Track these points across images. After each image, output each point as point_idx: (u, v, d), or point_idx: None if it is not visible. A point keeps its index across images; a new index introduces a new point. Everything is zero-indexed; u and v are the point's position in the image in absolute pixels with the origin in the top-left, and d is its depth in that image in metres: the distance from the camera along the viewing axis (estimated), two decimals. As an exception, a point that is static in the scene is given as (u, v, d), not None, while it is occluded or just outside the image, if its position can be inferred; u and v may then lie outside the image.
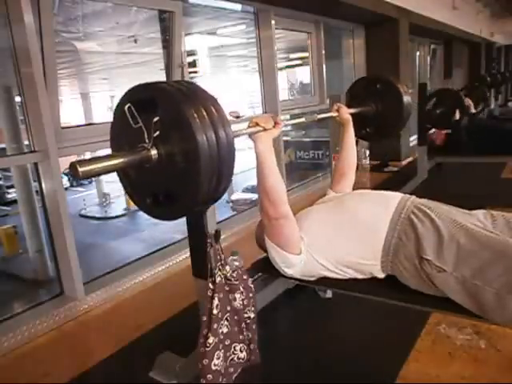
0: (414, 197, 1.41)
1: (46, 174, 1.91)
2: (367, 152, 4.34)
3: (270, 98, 3.20)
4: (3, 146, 6.98)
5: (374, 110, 2.00)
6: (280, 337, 1.72)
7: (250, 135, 1.25)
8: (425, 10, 4.61)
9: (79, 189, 16.46)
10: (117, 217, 13.74)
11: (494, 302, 1.12)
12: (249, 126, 1.26)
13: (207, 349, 0.98)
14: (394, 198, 1.39)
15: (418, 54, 6.39)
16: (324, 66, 3.81)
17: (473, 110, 4.06)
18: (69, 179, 17.51)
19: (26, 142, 2.03)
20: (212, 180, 0.88)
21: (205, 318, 1.04)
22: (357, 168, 1.87)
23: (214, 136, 0.86)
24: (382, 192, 1.52)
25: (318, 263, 1.38)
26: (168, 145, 0.90)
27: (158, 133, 0.89)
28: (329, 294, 1.88)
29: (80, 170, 0.79)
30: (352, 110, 1.88)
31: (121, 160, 0.88)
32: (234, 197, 11.20)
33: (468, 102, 3.96)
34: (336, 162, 1.82)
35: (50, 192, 1.93)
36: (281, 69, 8.81)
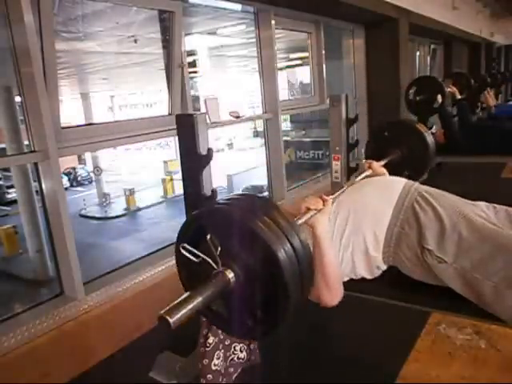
0: (417, 183, 1.41)
1: (46, 174, 1.91)
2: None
3: (270, 97, 3.20)
4: (3, 146, 6.99)
5: (400, 154, 2.03)
6: (279, 336, 1.72)
7: (307, 223, 1.23)
8: (425, 10, 4.60)
9: (79, 189, 16.48)
10: (117, 217, 13.76)
11: (492, 295, 1.13)
12: (302, 213, 1.23)
13: (207, 349, 0.98)
14: (398, 183, 1.39)
15: (418, 54, 6.39)
16: (324, 66, 3.81)
17: (458, 97, 4.12)
18: (69, 179, 17.54)
19: (26, 142, 2.03)
20: (297, 287, 0.86)
21: (204, 318, 1.04)
22: (356, 168, 1.87)
23: (289, 245, 0.84)
24: (387, 179, 1.51)
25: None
26: (241, 262, 0.88)
27: (220, 249, 0.87)
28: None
29: (171, 320, 0.76)
30: (383, 162, 1.90)
31: (206, 294, 0.84)
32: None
33: (452, 88, 4.01)
34: None
35: (50, 192, 1.93)
36: (281, 69, 8.83)
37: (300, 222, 1.19)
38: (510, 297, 1.10)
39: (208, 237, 0.87)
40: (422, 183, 3.41)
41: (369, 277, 1.41)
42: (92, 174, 17.36)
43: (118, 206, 14.21)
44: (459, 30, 6.24)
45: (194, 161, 1.13)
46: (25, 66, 1.80)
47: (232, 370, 1.05)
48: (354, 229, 1.36)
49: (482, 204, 1.37)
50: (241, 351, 1.07)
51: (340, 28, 4.30)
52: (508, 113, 5.15)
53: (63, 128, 2.04)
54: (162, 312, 0.76)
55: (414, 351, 1.55)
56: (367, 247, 1.34)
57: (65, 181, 15.63)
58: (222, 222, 0.88)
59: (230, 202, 0.90)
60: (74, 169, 18.51)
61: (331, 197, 1.32)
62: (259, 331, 0.95)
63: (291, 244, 0.84)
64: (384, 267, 1.37)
